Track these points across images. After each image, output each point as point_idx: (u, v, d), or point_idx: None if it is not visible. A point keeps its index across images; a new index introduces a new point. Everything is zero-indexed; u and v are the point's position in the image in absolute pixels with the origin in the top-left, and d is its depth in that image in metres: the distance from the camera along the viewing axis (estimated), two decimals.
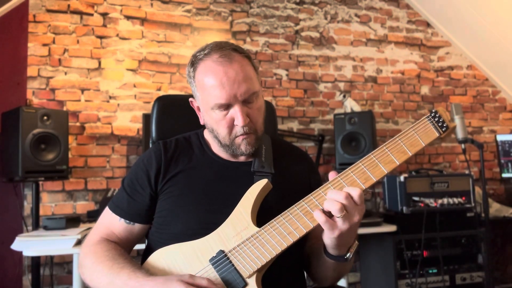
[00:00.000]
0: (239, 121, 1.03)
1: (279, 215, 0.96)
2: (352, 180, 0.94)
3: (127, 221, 1.11)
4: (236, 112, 1.03)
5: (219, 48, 1.05)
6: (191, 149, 1.17)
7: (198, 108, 1.15)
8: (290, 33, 3.33)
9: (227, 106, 1.04)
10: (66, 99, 2.80)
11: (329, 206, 0.89)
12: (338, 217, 0.88)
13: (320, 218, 0.89)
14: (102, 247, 1.05)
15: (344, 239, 0.93)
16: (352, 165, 0.95)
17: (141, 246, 1.30)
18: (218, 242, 0.98)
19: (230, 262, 0.95)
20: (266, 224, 0.96)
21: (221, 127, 1.06)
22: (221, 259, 0.96)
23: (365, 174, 0.94)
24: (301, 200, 0.96)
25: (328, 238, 0.93)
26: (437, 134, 0.95)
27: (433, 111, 0.96)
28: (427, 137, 0.95)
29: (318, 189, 0.96)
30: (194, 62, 1.09)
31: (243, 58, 1.06)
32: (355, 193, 0.89)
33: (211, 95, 1.04)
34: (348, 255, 0.97)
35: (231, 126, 1.06)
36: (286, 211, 0.96)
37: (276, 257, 0.95)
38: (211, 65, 1.03)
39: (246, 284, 0.94)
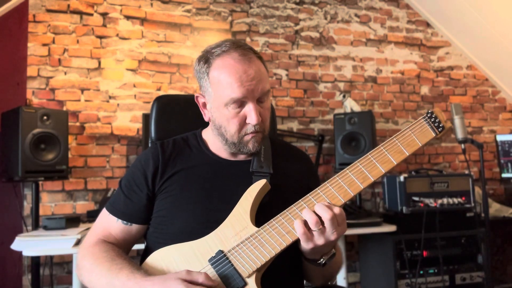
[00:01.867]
0: (252, 119, 1.04)
1: (278, 215, 0.96)
2: (350, 180, 0.95)
3: (125, 222, 1.11)
4: (250, 110, 1.04)
5: (238, 46, 1.06)
6: (188, 149, 1.17)
7: (204, 105, 1.14)
8: (290, 33, 3.33)
9: (241, 103, 1.05)
10: (66, 99, 2.80)
11: (307, 218, 0.92)
12: (314, 230, 0.91)
13: (299, 229, 0.92)
14: (100, 248, 1.05)
15: (319, 250, 0.96)
16: (350, 165, 0.97)
17: (140, 246, 1.30)
18: (217, 242, 0.98)
19: (230, 262, 0.95)
20: (265, 224, 0.96)
21: (232, 124, 1.07)
22: (220, 259, 0.96)
23: (363, 174, 0.95)
24: (300, 200, 0.96)
25: (303, 246, 0.95)
26: (433, 134, 0.96)
27: (429, 111, 0.98)
28: (424, 137, 0.96)
29: (316, 189, 0.97)
30: (209, 58, 1.08)
31: (257, 58, 1.08)
32: (338, 212, 0.93)
33: (226, 91, 1.04)
34: (321, 260, 1.00)
35: (243, 123, 1.07)
36: (285, 210, 0.96)
37: (275, 256, 0.95)
38: (231, 62, 1.04)
39: (245, 283, 0.94)
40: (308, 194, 0.96)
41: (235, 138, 1.08)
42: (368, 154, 0.97)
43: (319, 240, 0.92)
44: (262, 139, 1.10)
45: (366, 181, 0.95)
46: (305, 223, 0.92)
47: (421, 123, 0.97)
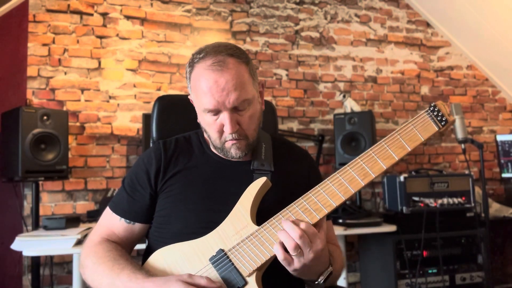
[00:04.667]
0: (227, 129, 1.03)
1: (278, 213, 0.96)
2: (350, 177, 0.94)
3: (128, 220, 1.12)
4: (224, 119, 1.03)
5: (215, 53, 1.03)
6: (191, 148, 1.17)
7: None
8: (290, 33, 3.33)
9: (216, 112, 1.04)
10: (66, 99, 2.80)
11: (286, 243, 0.89)
12: (293, 255, 0.88)
13: (280, 255, 0.89)
14: (103, 247, 1.05)
15: (306, 272, 0.93)
16: (351, 161, 0.95)
17: (141, 246, 1.30)
18: (218, 241, 0.98)
19: (230, 261, 0.95)
20: (266, 223, 0.96)
21: (212, 130, 1.07)
22: (220, 258, 0.96)
23: (364, 170, 0.94)
24: (300, 198, 0.96)
25: (288, 269, 0.93)
26: (436, 128, 0.93)
27: (432, 105, 0.94)
28: (426, 131, 0.93)
29: (316, 186, 0.96)
30: (191, 63, 1.08)
31: (239, 64, 1.04)
32: (308, 229, 0.89)
33: (201, 100, 1.04)
34: (319, 280, 0.97)
35: (221, 131, 1.06)
36: (285, 208, 0.96)
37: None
38: (203, 71, 1.03)
39: (246, 282, 0.94)
40: (308, 192, 0.95)
41: (218, 144, 1.08)
42: (369, 150, 0.94)
43: (298, 263, 0.89)
44: (246, 145, 1.08)
45: (366, 177, 0.93)
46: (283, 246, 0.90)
47: (424, 117, 0.94)
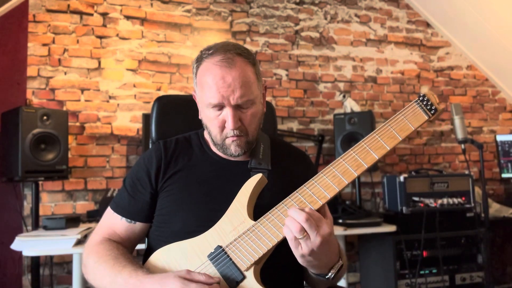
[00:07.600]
0: (229, 124, 1.05)
1: (274, 207, 0.97)
2: (344, 169, 0.95)
3: (129, 220, 1.13)
4: (227, 114, 1.04)
5: (224, 50, 1.06)
6: (191, 148, 1.19)
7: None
8: (290, 33, 3.33)
9: (220, 107, 1.05)
10: (66, 99, 2.80)
11: (291, 227, 0.88)
12: (299, 238, 0.88)
13: (288, 235, 0.89)
14: (105, 246, 1.06)
15: (315, 261, 0.92)
16: (344, 154, 0.97)
17: (141, 247, 1.31)
18: (216, 237, 0.99)
19: (228, 256, 0.96)
20: (262, 217, 0.97)
21: (213, 126, 1.08)
22: (218, 254, 0.97)
23: (357, 161, 0.95)
24: (295, 191, 0.96)
25: (297, 257, 0.92)
26: (426, 117, 0.95)
27: (421, 94, 0.96)
28: (416, 120, 0.95)
29: (311, 179, 0.96)
30: (199, 59, 1.10)
31: (246, 63, 1.06)
32: (312, 213, 0.89)
33: (206, 94, 1.05)
34: (329, 274, 0.97)
35: (222, 126, 1.07)
36: (281, 202, 0.96)
37: (273, 249, 0.95)
38: (211, 66, 1.05)
39: (244, 277, 0.94)
40: (303, 185, 0.96)
41: (218, 140, 1.09)
42: (361, 141, 0.97)
43: (306, 248, 0.88)
44: (246, 143, 1.09)
45: (359, 168, 0.95)
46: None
47: (413, 107, 0.96)
